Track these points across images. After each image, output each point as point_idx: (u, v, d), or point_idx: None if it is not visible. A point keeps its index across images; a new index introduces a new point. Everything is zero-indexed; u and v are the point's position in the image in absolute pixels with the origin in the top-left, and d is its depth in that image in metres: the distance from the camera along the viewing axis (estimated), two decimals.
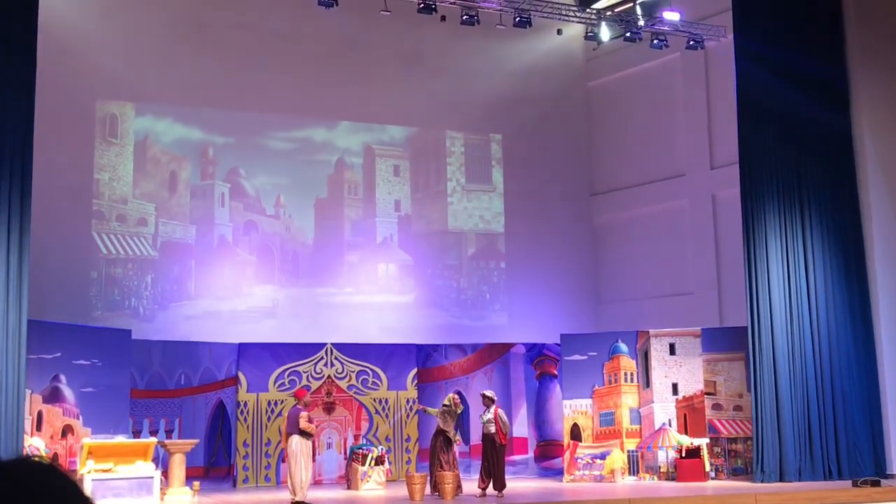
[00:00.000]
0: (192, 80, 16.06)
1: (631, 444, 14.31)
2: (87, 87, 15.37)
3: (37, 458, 1.96)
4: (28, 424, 11.88)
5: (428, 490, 12.11)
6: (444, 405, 12.80)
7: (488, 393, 12.78)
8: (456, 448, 12.77)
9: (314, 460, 14.60)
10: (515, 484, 14.08)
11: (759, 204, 13.85)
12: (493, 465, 12.18)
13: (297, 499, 11.28)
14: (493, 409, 12.47)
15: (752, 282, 13.72)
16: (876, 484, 12.02)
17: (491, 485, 12.14)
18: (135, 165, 15.84)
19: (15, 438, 10.66)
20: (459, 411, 12.85)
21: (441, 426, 12.57)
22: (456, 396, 13.01)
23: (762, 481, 12.97)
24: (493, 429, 12.31)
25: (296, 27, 16.56)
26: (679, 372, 14.35)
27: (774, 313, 13.51)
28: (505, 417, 12.60)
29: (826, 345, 13.54)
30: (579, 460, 14.33)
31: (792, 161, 13.96)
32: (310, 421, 11.61)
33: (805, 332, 13.52)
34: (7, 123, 11.38)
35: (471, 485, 12.61)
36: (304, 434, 11.43)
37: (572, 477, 14.22)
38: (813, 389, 13.39)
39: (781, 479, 12.97)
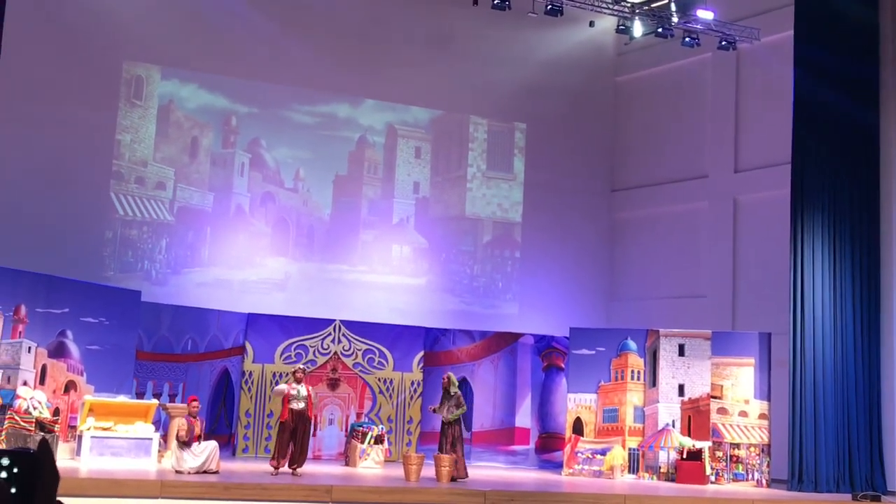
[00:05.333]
0: (219, 48, 16.05)
1: (633, 443, 14.22)
2: (116, 47, 15.37)
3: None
4: (32, 378, 11.93)
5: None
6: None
7: (302, 365, 12.28)
8: (460, 432, 12.66)
9: (314, 435, 14.68)
10: (515, 474, 14.06)
11: (809, 209, 13.76)
12: (299, 442, 11.77)
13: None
14: (304, 385, 12.02)
15: (796, 287, 13.62)
16: (876, 499, 11.90)
17: (287, 464, 11.72)
18: (157, 129, 15.84)
19: None
20: (453, 391, 12.73)
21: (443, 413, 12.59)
22: (446, 377, 12.94)
23: (799, 490, 12.94)
24: (303, 405, 11.89)
25: (326, 1, 16.50)
26: (686, 373, 14.24)
27: (817, 321, 13.43)
28: (315, 395, 12.16)
29: (866, 355, 13.51)
30: (580, 454, 14.26)
31: (843, 168, 13.89)
32: (187, 431, 11.41)
33: (848, 342, 13.45)
34: None
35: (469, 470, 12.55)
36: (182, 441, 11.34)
37: (571, 471, 14.15)
38: (853, 400, 13.32)
39: (816, 490, 12.93)
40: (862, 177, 13.99)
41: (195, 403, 11.86)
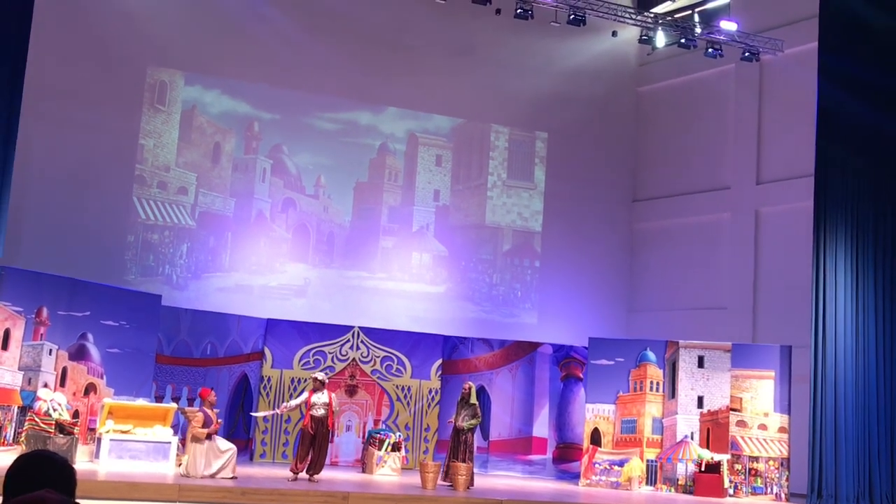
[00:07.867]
0: (242, 55, 16.14)
1: (651, 454, 14.15)
2: (140, 53, 15.49)
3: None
4: (52, 380, 12.01)
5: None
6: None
7: (320, 376, 12.32)
8: (473, 441, 12.70)
9: (332, 441, 14.64)
10: (531, 483, 14.01)
11: (832, 222, 13.62)
12: (318, 449, 11.80)
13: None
14: (325, 392, 12.06)
15: (818, 300, 13.49)
16: None
17: (305, 470, 11.72)
18: (180, 134, 15.94)
19: None
20: (472, 401, 12.77)
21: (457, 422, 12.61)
22: (468, 386, 13.03)
23: None
24: (323, 412, 11.89)
25: (350, 8, 16.57)
26: (706, 385, 14.16)
27: (838, 334, 13.30)
28: (336, 402, 12.26)
29: (888, 370, 13.33)
30: (597, 465, 14.20)
31: (866, 180, 13.74)
32: (204, 425, 11.36)
33: (870, 356, 13.31)
34: None
35: (482, 478, 12.54)
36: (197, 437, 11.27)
37: (588, 481, 14.10)
38: (874, 415, 13.19)
39: None
40: (886, 189, 13.86)
41: (213, 394, 11.87)
